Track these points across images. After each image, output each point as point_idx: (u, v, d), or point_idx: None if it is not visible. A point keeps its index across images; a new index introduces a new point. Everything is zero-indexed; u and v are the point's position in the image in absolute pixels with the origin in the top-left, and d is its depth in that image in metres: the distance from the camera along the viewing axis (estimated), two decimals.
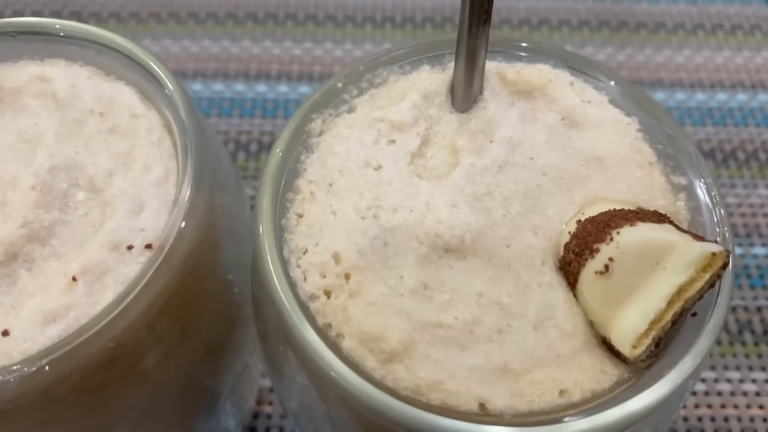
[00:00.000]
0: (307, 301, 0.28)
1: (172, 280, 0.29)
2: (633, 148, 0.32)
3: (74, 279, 0.28)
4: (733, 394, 0.49)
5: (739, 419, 0.48)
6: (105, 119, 0.33)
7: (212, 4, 0.72)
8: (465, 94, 0.33)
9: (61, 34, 0.35)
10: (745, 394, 0.49)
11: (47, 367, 0.26)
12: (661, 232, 0.27)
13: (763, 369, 0.51)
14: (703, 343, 0.26)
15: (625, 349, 0.26)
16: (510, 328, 0.27)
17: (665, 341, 0.27)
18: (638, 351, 0.26)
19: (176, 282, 0.30)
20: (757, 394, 0.49)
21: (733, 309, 0.53)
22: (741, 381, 0.50)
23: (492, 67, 0.33)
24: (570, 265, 0.28)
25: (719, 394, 0.49)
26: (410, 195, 0.30)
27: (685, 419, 0.48)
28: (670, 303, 0.26)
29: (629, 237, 0.27)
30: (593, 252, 0.27)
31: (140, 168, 0.31)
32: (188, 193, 0.29)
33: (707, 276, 0.26)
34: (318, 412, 0.31)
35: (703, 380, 0.50)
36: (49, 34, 0.35)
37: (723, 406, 0.49)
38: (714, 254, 0.26)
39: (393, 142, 0.32)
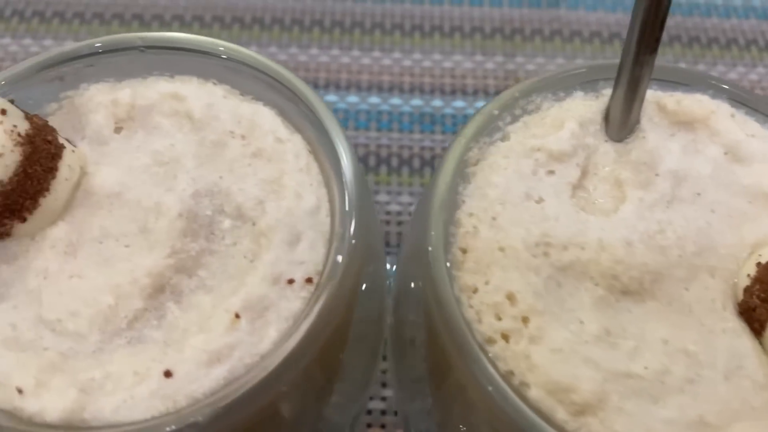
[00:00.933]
0: (484, 345, 0.26)
1: (335, 317, 0.28)
2: None
3: (237, 316, 0.26)
4: None
5: None
6: (247, 142, 0.31)
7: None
8: (623, 123, 0.31)
9: (193, 49, 0.33)
10: None
11: (223, 412, 0.24)
12: None
13: None
14: None
15: None
16: (700, 378, 0.26)
17: None
18: None
19: (338, 320, 0.28)
20: None
21: None
22: None
23: (649, 95, 0.32)
24: (755, 311, 0.27)
25: None
26: (579, 231, 0.29)
27: None
28: None
29: None
30: None
31: (292, 196, 0.30)
32: (352, 227, 0.28)
33: None
34: None
35: None
36: (180, 49, 0.33)
37: None
38: None
39: (552, 173, 0.30)
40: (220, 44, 0.33)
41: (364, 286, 0.30)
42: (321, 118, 0.31)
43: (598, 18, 0.73)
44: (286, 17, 0.70)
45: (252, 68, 0.32)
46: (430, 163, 0.64)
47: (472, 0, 0.73)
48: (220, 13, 0.68)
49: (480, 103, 0.64)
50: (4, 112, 0.28)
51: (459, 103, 0.67)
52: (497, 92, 0.35)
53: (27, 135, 0.28)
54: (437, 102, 0.67)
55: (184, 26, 0.66)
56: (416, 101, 0.66)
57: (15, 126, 0.28)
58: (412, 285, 0.31)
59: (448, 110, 0.67)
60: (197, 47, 0.33)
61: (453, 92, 0.68)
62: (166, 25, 0.67)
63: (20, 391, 0.25)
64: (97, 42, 0.33)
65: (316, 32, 0.69)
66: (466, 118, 0.64)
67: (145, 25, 0.66)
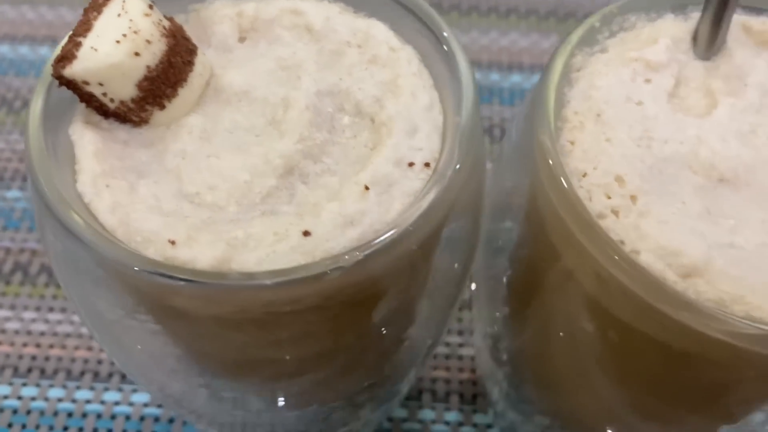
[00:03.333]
0: (596, 219, 0.28)
1: (449, 201, 0.30)
2: None
3: (367, 188, 0.29)
4: None
5: None
6: (363, 51, 0.34)
7: None
8: (711, 42, 0.34)
9: None
10: None
11: (365, 261, 0.26)
12: None
13: None
14: None
15: None
16: None
17: None
18: None
19: (450, 205, 0.30)
20: None
21: None
22: None
23: (735, 18, 0.34)
24: None
25: None
26: (678, 129, 0.31)
27: None
28: None
29: None
30: None
31: (408, 95, 0.32)
32: (467, 117, 0.30)
33: None
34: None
35: None
36: None
37: None
38: None
39: (649, 81, 0.33)
40: None
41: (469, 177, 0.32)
42: (434, 26, 0.33)
43: None
44: None
45: None
46: (489, 131, 0.66)
47: None
48: None
49: (536, 77, 0.67)
50: (151, 6, 0.31)
51: (516, 78, 0.70)
52: None
53: (170, 29, 0.31)
54: (495, 76, 0.70)
55: None
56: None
57: (160, 20, 0.31)
58: (511, 184, 0.34)
59: (506, 84, 0.70)
60: None
61: (510, 68, 0.71)
62: None
63: (173, 243, 0.27)
64: None
65: None
66: (524, 92, 0.67)
67: None
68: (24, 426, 0.50)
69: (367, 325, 0.33)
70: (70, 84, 0.30)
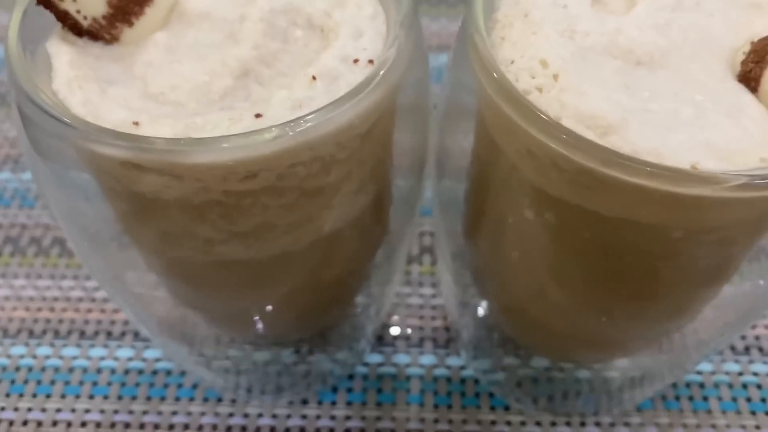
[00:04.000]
0: (523, 95, 0.31)
1: (388, 93, 0.33)
2: None
3: (314, 78, 0.32)
4: None
5: None
6: None
7: None
8: None
9: None
10: None
11: (304, 127, 0.29)
12: None
13: None
14: None
15: None
16: (707, 116, 0.31)
17: None
18: None
19: (388, 97, 0.33)
20: None
21: None
22: None
23: None
24: (751, 72, 0.32)
25: None
26: (599, 23, 0.34)
27: None
28: None
29: None
30: None
31: (354, 7, 0.35)
32: (406, 26, 0.33)
33: None
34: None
35: None
36: None
37: None
38: None
39: None
40: None
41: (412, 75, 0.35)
42: None
43: None
44: None
45: None
46: None
47: None
48: None
49: None
50: None
51: None
52: None
53: None
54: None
55: None
56: None
57: None
58: (459, 96, 0.37)
59: None
60: None
61: None
62: None
63: (136, 124, 0.30)
64: None
65: None
66: None
67: None
68: (39, 382, 0.52)
69: (326, 218, 0.36)
70: (46, 3, 0.33)
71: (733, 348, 0.55)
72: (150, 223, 0.35)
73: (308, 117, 0.29)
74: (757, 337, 0.55)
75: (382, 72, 0.32)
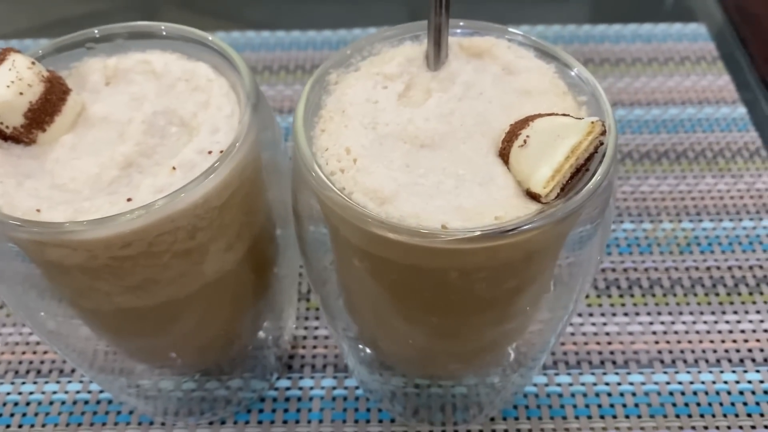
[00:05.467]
0: (329, 176, 0.41)
1: (236, 171, 0.43)
2: (552, 84, 0.46)
3: (174, 168, 0.42)
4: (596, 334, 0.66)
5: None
6: (189, 83, 0.48)
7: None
8: (435, 58, 0.47)
9: (163, 33, 0.50)
10: (607, 334, 0.66)
11: (159, 206, 0.39)
12: (562, 118, 0.41)
13: (625, 314, 0.68)
14: (592, 183, 0.39)
15: (539, 190, 0.39)
16: (464, 186, 0.41)
17: (569, 187, 0.40)
18: (547, 190, 0.39)
19: (239, 175, 0.44)
20: (618, 333, 0.66)
21: (603, 270, 0.71)
22: (604, 324, 0.67)
23: (454, 39, 0.48)
24: (504, 149, 0.42)
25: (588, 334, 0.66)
26: (398, 116, 0.44)
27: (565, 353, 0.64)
28: (567, 158, 0.39)
29: (541, 123, 0.41)
30: (517, 135, 0.41)
31: (215, 108, 0.46)
32: (247, 118, 0.44)
33: (591, 138, 0.39)
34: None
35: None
36: (153, 35, 0.50)
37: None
38: (593, 123, 0.39)
39: (386, 87, 0.46)
40: (173, 29, 0.50)
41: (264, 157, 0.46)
42: (235, 65, 0.47)
43: None
44: None
45: (194, 42, 0.49)
46: None
47: None
48: None
49: None
50: (34, 63, 0.45)
51: None
52: None
53: (47, 77, 0.45)
54: None
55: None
56: None
57: (41, 71, 0.45)
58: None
59: None
60: (161, 34, 0.50)
61: None
62: None
63: (38, 211, 0.41)
64: (97, 33, 0.50)
65: None
66: None
67: None
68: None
69: (201, 272, 0.46)
70: None
71: (590, 362, 0.64)
72: (63, 281, 0.45)
73: (160, 200, 0.40)
74: (611, 352, 0.65)
75: (228, 155, 0.42)
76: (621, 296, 0.69)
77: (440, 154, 0.43)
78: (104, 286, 0.44)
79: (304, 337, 0.67)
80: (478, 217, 0.39)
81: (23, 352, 0.66)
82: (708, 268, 0.71)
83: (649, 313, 0.68)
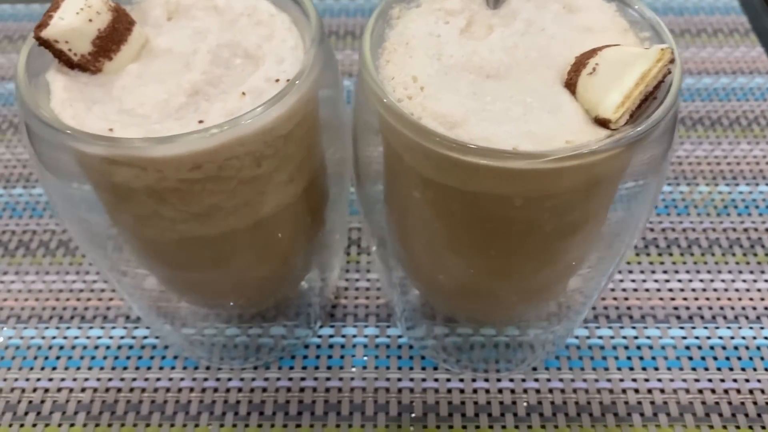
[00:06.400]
0: (397, 102, 0.42)
1: (302, 101, 0.44)
2: (613, 21, 0.46)
3: (243, 94, 0.43)
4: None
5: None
6: (251, 18, 0.48)
7: None
8: None
9: None
10: (647, 290, 0.67)
11: (230, 127, 0.40)
12: (631, 48, 0.41)
13: (664, 272, 0.68)
14: (660, 110, 0.40)
15: (610, 115, 0.40)
16: (533, 113, 0.41)
17: (637, 114, 0.40)
18: (618, 115, 0.39)
19: (303, 105, 0.44)
20: (658, 290, 0.67)
21: None
22: (644, 281, 0.68)
23: None
24: (571, 79, 0.42)
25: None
26: (461, 48, 0.45)
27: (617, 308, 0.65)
28: (637, 84, 0.39)
29: (609, 52, 0.41)
30: (585, 64, 0.42)
31: (279, 40, 0.46)
32: (314, 49, 0.44)
33: (660, 65, 0.39)
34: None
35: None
36: None
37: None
38: (662, 50, 0.40)
39: (447, 22, 0.47)
40: None
41: (324, 92, 0.46)
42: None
43: None
44: None
45: None
46: None
47: None
48: None
49: None
50: None
51: None
52: None
53: (114, 7, 0.46)
54: None
55: None
56: None
57: (108, 0, 0.46)
58: (360, 97, 0.47)
59: None
60: None
61: None
62: None
63: (111, 130, 0.41)
64: None
65: None
66: None
67: None
68: (47, 357, 0.63)
69: (263, 203, 0.47)
70: (45, 43, 0.44)
71: (630, 317, 0.64)
72: (127, 208, 0.46)
73: (232, 120, 0.40)
74: (652, 308, 0.65)
75: (296, 82, 0.43)
76: (660, 255, 0.69)
77: (505, 84, 0.43)
78: (169, 212, 0.45)
79: (346, 288, 0.67)
80: (548, 141, 0.40)
81: (67, 299, 0.67)
82: (746, 230, 0.71)
83: (687, 272, 0.68)
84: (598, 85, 0.41)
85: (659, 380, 0.60)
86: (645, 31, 0.46)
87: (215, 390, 0.60)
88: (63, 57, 0.45)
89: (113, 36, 0.45)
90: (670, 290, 0.66)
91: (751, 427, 0.57)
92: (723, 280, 0.67)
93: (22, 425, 0.58)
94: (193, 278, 0.53)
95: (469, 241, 0.47)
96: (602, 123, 0.40)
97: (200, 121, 0.42)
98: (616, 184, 0.46)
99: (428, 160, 0.42)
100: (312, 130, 0.49)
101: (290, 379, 0.61)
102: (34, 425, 0.58)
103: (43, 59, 0.45)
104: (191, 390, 0.60)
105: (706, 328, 0.64)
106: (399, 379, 0.60)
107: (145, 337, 0.64)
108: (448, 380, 0.60)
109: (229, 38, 0.47)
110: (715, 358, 0.62)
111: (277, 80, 0.44)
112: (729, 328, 0.64)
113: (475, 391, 0.60)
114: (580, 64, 0.42)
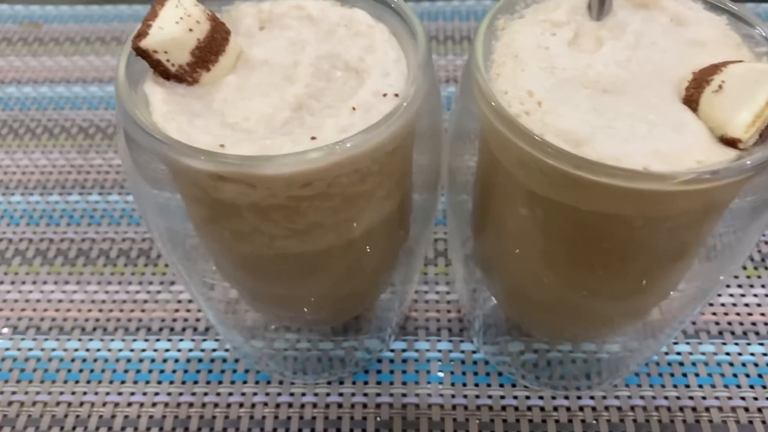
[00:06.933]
0: (515, 118, 0.41)
1: (413, 117, 0.42)
2: (725, 35, 0.45)
3: (354, 109, 0.41)
4: None
5: None
6: (349, 28, 0.47)
7: None
8: (600, 8, 0.46)
9: None
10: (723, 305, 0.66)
11: (349, 145, 0.39)
12: (759, 64, 0.40)
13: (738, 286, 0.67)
14: None
15: (740, 135, 0.38)
16: (658, 131, 0.40)
17: (766, 135, 0.39)
18: (748, 135, 0.38)
19: (412, 121, 0.43)
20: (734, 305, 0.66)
21: None
22: (719, 295, 0.67)
23: None
24: (692, 96, 0.41)
25: None
26: (574, 61, 0.43)
27: None
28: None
29: (735, 68, 0.40)
30: (709, 81, 0.40)
31: (381, 53, 0.45)
32: (424, 64, 0.43)
33: None
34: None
35: None
36: None
37: None
38: None
39: (554, 34, 0.45)
40: None
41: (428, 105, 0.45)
42: (399, 9, 0.46)
43: None
44: None
45: None
46: None
47: None
48: None
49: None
50: (197, 1, 0.44)
51: None
52: None
53: (212, 16, 0.44)
54: None
55: None
56: None
57: (205, 9, 0.44)
58: (462, 106, 0.46)
59: None
60: None
61: None
62: None
63: (222, 146, 0.40)
64: None
65: None
66: None
67: None
68: (114, 371, 0.62)
69: (362, 219, 0.45)
70: (143, 53, 0.42)
71: (708, 332, 0.63)
72: (227, 224, 0.44)
73: (351, 138, 0.39)
74: (729, 323, 0.64)
75: (405, 104, 0.41)
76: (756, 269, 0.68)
77: (623, 99, 0.42)
78: (270, 229, 0.43)
79: (415, 301, 0.66)
80: (678, 161, 0.38)
81: (131, 310, 0.66)
82: None
83: (763, 286, 0.67)
84: (725, 103, 0.39)
85: (742, 398, 0.59)
86: (762, 47, 0.44)
87: (290, 405, 0.59)
88: (159, 67, 0.43)
89: (212, 46, 0.44)
90: (747, 305, 0.65)
91: None
92: None
93: None
94: (277, 291, 0.52)
95: (576, 259, 0.45)
96: (730, 142, 0.39)
97: (313, 138, 0.40)
98: (727, 206, 0.45)
99: (545, 177, 0.40)
100: (411, 145, 0.47)
101: (365, 394, 0.59)
102: None
103: (139, 67, 0.44)
104: (265, 405, 0.59)
105: None
106: (477, 396, 0.59)
107: (214, 350, 0.62)
108: (528, 398, 0.59)
109: (328, 50, 0.46)
110: None
111: (385, 95, 0.43)
112: None
113: (555, 408, 0.58)
114: (701, 80, 0.41)
